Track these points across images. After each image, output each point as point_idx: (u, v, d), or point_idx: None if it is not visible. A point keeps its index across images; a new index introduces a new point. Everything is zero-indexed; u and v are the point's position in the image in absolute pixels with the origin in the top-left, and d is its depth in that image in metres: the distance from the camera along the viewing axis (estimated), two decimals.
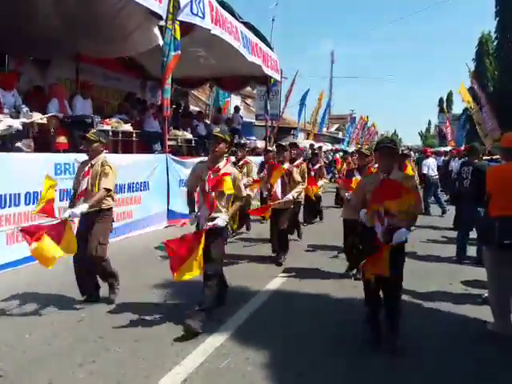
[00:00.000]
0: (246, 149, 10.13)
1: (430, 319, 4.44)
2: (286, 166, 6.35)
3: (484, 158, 9.77)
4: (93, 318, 4.15)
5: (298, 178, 6.36)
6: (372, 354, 3.56)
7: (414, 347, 3.73)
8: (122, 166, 6.51)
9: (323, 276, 5.79)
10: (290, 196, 6.20)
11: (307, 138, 23.25)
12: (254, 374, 3.20)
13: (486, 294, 4.55)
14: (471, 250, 6.73)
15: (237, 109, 14.97)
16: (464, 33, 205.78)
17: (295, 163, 7.27)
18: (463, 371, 3.40)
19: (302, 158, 8.19)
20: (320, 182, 8.89)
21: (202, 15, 8.49)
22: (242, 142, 12.83)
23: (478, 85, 15.20)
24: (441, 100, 51.89)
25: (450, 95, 49.26)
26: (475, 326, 4.21)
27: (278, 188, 6.17)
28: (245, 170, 7.60)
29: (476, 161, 6.77)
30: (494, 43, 26.00)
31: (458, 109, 37.37)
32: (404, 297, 5.00)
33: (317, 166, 9.36)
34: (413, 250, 7.27)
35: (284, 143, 7.42)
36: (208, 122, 13.08)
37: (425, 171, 11.76)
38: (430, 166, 11.91)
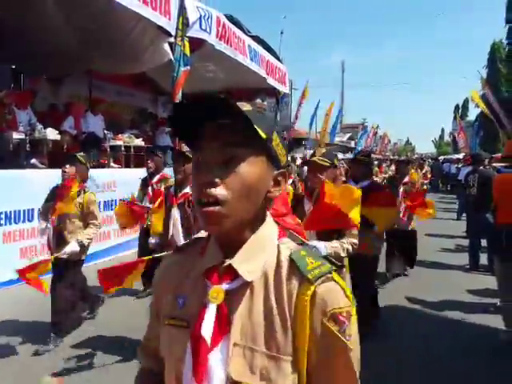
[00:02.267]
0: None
1: (440, 329, 4.41)
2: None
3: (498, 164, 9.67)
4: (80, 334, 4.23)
5: None
6: (379, 367, 3.55)
7: (423, 357, 3.71)
8: (135, 180, 6.62)
9: None
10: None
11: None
12: None
13: (498, 303, 4.50)
14: (484, 258, 6.67)
15: None
16: (479, 39, 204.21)
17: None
18: (470, 380, 3.37)
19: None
20: None
21: (208, 30, 8.65)
22: None
23: (491, 91, 15.04)
24: (457, 107, 51.51)
25: (465, 102, 48.86)
26: (487, 336, 4.17)
27: None
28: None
29: (481, 168, 6.80)
30: (506, 49, 25.86)
31: (472, 116, 37.01)
32: (414, 306, 5.01)
33: None
34: (425, 258, 7.23)
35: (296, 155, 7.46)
36: None
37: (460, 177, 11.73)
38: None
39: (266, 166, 0.86)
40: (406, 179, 6.08)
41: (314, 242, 2.45)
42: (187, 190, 3.53)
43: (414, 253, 6.29)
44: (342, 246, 2.61)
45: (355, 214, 2.56)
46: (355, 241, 2.66)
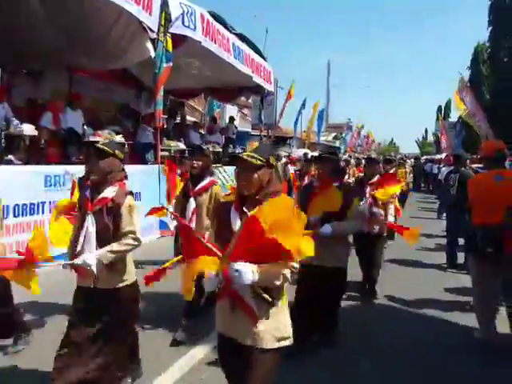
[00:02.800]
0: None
1: (417, 327, 4.45)
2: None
3: (474, 165, 9.86)
4: None
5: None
6: (359, 367, 3.57)
7: (401, 355, 3.74)
8: None
9: None
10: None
11: (303, 147, 23.33)
12: None
13: (472, 302, 4.56)
14: (462, 258, 6.77)
15: (231, 119, 15.05)
16: (463, 40, 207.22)
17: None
18: (448, 378, 3.41)
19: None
20: None
21: (193, 27, 8.58)
22: (236, 151, 12.90)
23: (471, 93, 15.25)
24: (439, 108, 52.14)
25: (448, 103, 49.49)
26: (463, 334, 4.22)
27: None
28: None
29: (462, 168, 6.87)
30: (487, 51, 26.30)
31: (455, 117, 37.56)
32: (392, 304, 5.05)
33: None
34: (404, 257, 7.31)
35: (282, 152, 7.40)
36: (202, 131, 13.14)
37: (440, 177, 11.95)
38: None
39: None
40: (375, 179, 5.31)
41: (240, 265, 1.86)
42: (106, 193, 2.77)
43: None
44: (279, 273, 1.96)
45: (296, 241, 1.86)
46: (295, 264, 1.98)
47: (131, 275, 2.91)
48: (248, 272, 1.85)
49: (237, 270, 1.85)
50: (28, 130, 6.66)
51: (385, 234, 5.43)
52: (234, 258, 1.90)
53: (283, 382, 3.08)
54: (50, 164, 6.84)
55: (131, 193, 2.89)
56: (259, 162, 2.02)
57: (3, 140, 6.19)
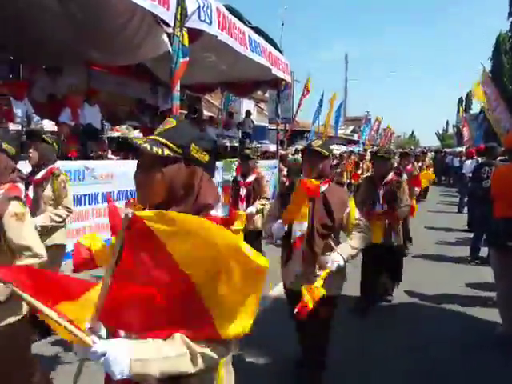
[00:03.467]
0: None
1: (438, 322, 4.39)
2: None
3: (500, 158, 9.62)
4: None
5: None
6: (375, 358, 3.53)
7: (418, 347, 3.69)
8: (133, 172, 6.63)
9: None
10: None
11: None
12: None
13: (495, 297, 4.47)
14: (484, 252, 6.65)
15: (248, 113, 15.01)
16: (485, 30, 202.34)
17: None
18: (467, 373, 3.34)
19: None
20: None
21: (209, 21, 8.55)
22: (253, 146, 12.88)
23: (494, 84, 14.87)
24: (460, 100, 51.13)
25: (470, 94, 48.50)
26: (484, 329, 4.14)
27: None
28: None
29: (495, 160, 6.61)
30: (509, 41, 25.55)
31: (476, 108, 36.74)
32: (413, 298, 4.98)
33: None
34: (424, 251, 7.20)
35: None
36: (219, 126, 13.15)
37: (464, 171, 11.81)
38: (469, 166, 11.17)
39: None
40: (389, 177, 4.57)
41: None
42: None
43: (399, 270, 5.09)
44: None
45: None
46: None
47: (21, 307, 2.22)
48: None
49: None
50: (48, 125, 6.74)
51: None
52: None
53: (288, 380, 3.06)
54: (70, 159, 6.93)
55: (17, 197, 2.22)
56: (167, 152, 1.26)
57: (24, 136, 6.29)
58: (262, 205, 5.05)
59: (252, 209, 4.97)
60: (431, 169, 13.92)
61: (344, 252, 2.71)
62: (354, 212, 2.81)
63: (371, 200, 4.48)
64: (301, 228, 2.80)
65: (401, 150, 9.44)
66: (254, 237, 4.94)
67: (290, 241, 2.86)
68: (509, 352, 3.65)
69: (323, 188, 2.75)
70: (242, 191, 5.11)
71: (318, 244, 2.74)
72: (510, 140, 4.00)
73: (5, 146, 2.32)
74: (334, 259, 2.64)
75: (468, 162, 11.94)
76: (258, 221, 5.08)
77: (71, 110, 7.63)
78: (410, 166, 7.04)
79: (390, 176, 4.58)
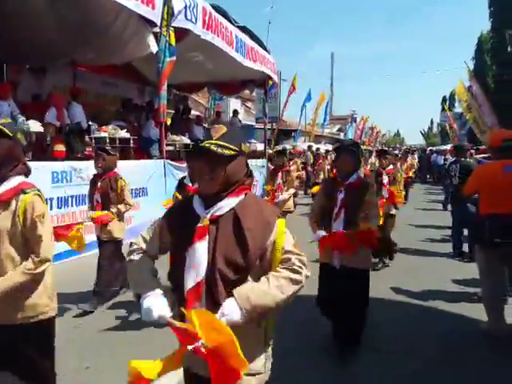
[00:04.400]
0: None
1: (423, 318, 4.45)
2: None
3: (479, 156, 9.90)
4: (88, 323, 4.20)
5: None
6: (362, 357, 3.58)
7: (405, 347, 3.75)
8: (121, 173, 6.58)
9: None
10: None
11: (308, 140, 23.28)
12: None
13: (479, 293, 4.56)
14: (466, 247, 6.81)
15: (235, 112, 15.02)
16: (467, 31, 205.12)
17: None
18: (455, 371, 3.41)
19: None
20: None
21: (194, 20, 8.54)
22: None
23: (477, 83, 15.15)
24: (444, 98, 51.82)
25: (453, 93, 49.16)
26: (469, 325, 4.22)
27: None
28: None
29: (463, 159, 6.94)
30: (490, 41, 26.01)
31: (459, 107, 37.28)
32: (399, 296, 5.05)
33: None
34: (410, 248, 7.32)
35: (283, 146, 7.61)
36: (206, 126, 13.12)
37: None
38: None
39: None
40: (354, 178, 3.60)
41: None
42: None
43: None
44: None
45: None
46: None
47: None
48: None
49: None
50: (34, 126, 6.67)
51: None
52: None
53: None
54: (56, 160, 6.86)
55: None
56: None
57: None
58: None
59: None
60: (412, 169, 13.81)
61: (246, 299, 1.52)
62: (282, 239, 1.65)
63: (329, 209, 3.51)
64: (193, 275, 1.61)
65: (379, 148, 8.66)
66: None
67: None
68: (495, 348, 3.72)
69: (233, 203, 1.64)
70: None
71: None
72: (493, 139, 4.09)
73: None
74: (225, 311, 1.51)
75: (450, 159, 12.26)
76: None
77: (56, 109, 7.54)
78: (391, 167, 6.47)
79: (355, 176, 3.56)
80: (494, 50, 25.13)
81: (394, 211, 6.20)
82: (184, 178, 4.53)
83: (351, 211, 3.42)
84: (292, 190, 6.60)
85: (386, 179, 6.02)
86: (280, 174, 6.59)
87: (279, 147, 10.57)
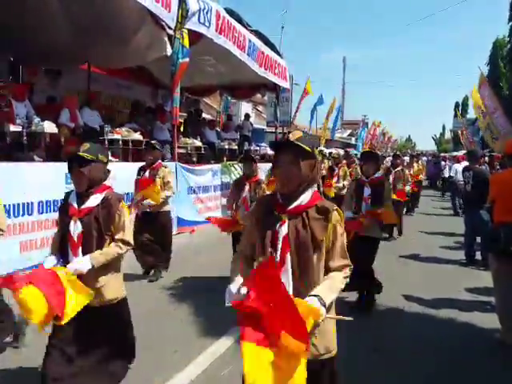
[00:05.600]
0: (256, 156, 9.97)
1: (435, 327, 4.40)
2: None
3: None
4: None
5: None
6: (374, 365, 3.55)
7: (417, 357, 3.70)
8: (133, 174, 6.61)
9: None
10: None
11: (318, 145, 23.21)
12: None
13: (493, 302, 4.49)
14: (478, 255, 6.75)
15: (247, 116, 15.06)
16: (479, 37, 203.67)
17: None
18: (465, 380, 3.36)
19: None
20: None
21: (207, 24, 8.58)
22: (252, 148, 12.93)
23: (491, 89, 14.98)
24: (457, 104, 51.36)
25: (465, 100, 48.72)
26: (483, 335, 4.16)
27: None
28: None
29: (476, 166, 6.87)
30: (507, 47, 25.58)
31: (472, 113, 37.01)
32: (411, 304, 4.99)
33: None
34: (422, 255, 7.26)
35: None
36: (218, 129, 13.18)
37: (452, 174, 12.86)
38: (459, 170, 11.28)
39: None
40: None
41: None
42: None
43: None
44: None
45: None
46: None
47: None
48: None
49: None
50: (48, 127, 6.75)
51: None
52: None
53: None
54: None
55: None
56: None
57: (25, 138, 6.28)
58: None
59: None
60: (420, 175, 13.59)
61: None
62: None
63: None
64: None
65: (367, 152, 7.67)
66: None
67: None
68: (508, 357, 3.67)
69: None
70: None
71: None
72: (509, 146, 4.04)
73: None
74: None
75: (456, 165, 12.38)
76: None
77: (69, 111, 7.62)
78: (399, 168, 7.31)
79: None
80: (511, 56, 24.66)
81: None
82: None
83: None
84: None
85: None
86: (248, 185, 5.21)
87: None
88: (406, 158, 14.01)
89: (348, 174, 9.18)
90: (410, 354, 3.74)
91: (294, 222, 1.91)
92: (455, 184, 11.98)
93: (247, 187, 5.17)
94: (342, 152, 13.56)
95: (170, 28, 8.04)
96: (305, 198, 1.92)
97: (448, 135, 60.68)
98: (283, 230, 1.89)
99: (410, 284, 5.69)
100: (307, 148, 1.85)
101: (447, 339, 4.06)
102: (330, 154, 12.73)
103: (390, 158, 13.29)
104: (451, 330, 4.31)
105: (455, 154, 23.10)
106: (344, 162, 10.00)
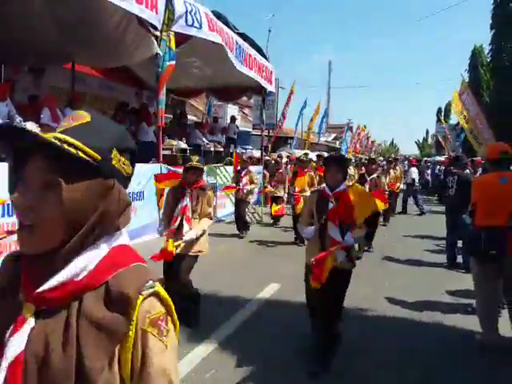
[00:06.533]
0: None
1: (418, 329, 4.44)
2: None
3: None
4: None
5: None
6: (359, 369, 3.56)
7: (400, 359, 3.73)
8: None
9: None
10: None
11: (303, 148, 23.36)
12: None
13: (474, 304, 4.56)
14: (461, 258, 6.83)
15: (233, 118, 15.05)
16: (461, 43, 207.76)
17: None
18: (450, 382, 3.40)
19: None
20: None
21: (198, 25, 8.53)
22: (237, 151, 12.91)
23: (472, 95, 15.25)
24: (439, 110, 52.22)
25: (448, 105, 49.61)
26: (464, 337, 4.22)
27: None
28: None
29: (460, 170, 6.98)
30: (489, 55, 26.05)
31: (455, 119, 37.62)
32: (393, 307, 5.03)
33: None
34: (407, 258, 7.33)
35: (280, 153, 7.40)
36: (204, 131, 13.14)
37: (413, 176, 14.11)
38: (416, 173, 14.46)
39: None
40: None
41: None
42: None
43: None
44: None
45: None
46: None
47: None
48: None
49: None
50: (31, 127, 6.62)
51: None
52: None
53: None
54: None
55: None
56: None
57: None
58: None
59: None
60: (398, 183, 11.61)
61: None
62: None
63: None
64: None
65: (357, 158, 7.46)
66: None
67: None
68: (488, 360, 3.72)
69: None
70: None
71: None
72: (490, 151, 4.11)
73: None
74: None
75: (412, 169, 14.48)
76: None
77: (50, 110, 7.48)
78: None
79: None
80: (493, 63, 25.05)
81: None
82: None
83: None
84: (206, 223, 4.20)
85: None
86: (189, 192, 4.15)
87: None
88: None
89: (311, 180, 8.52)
90: (393, 355, 3.77)
91: None
92: (412, 185, 13.99)
93: (188, 195, 4.16)
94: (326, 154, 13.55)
95: (156, 29, 7.99)
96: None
97: (431, 140, 61.64)
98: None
99: (392, 287, 5.75)
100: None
101: (432, 341, 4.10)
102: (319, 156, 12.71)
103: (385, 162, 13.43)
104: (433, 332, 4.36)
105: (438, 158, 23.47)
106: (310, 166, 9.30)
